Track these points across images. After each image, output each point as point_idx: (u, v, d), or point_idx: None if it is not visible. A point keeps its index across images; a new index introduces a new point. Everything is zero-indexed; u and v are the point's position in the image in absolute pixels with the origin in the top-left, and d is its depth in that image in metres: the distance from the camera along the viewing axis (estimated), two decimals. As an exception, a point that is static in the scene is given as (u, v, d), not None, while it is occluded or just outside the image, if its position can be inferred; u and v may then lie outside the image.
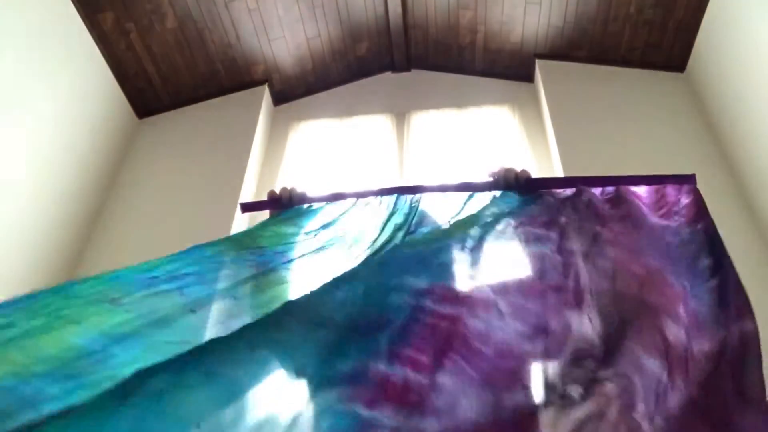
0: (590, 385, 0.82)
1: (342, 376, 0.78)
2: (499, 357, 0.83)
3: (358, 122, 3.23)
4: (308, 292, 0.83)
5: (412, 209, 1.14)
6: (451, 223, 1.08)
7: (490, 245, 1.01)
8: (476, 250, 0.99)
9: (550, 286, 0.95)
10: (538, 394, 0.81)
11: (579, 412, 0.79)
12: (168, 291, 0.77)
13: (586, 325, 0.89)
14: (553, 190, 1.12)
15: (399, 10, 3.22)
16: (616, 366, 0.84)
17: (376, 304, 0.87)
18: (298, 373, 0.76)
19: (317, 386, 0.76)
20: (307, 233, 1.12)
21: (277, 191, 1.22)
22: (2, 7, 2.35)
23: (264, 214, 1.24)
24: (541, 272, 0.97)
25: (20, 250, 2.38)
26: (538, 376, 0.84)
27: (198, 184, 2.90)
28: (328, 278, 0.87)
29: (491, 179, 1.14)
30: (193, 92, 3.34)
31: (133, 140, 3.24)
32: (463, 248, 0.98)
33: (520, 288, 0.94)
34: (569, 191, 1.10)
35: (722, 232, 2.36)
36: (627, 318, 0.91)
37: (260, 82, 3.37)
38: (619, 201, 1.08)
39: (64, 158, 2.68)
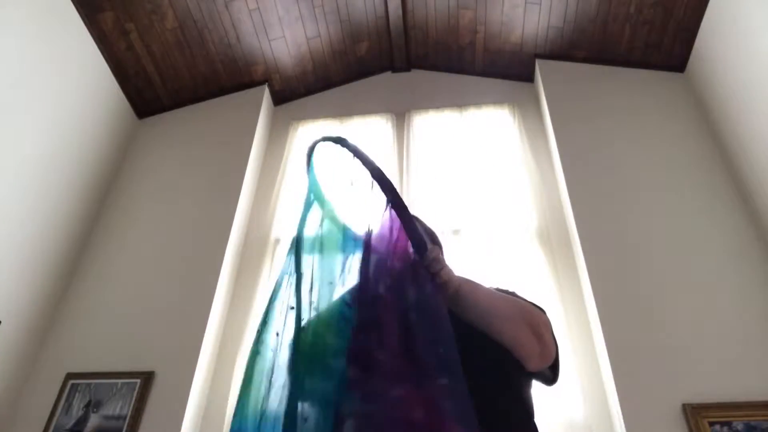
0: None
1: None
2: None
3: (358, 122, 3.23)
4: None
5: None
6: None
7: None
8: None
9: None
10: None
11: None
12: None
13: None
14: None
15: (399, 10, 3.22)
16: None
17: None
18: None
19: None
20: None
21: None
22: (2, 7, 2.35)
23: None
24: None
25: (20, 248, 2.38)
26: None
27: (198, 184, 2.90)
28: None
29: None
30: (193, 92, 3.34)
31: (133, 140, 3.24)
32: None
33: None
34: None
35: (722, 231, 2.34)
36: None
37: (260, 82, 3.37)
38: None
39: (64, 158, 2.68)
